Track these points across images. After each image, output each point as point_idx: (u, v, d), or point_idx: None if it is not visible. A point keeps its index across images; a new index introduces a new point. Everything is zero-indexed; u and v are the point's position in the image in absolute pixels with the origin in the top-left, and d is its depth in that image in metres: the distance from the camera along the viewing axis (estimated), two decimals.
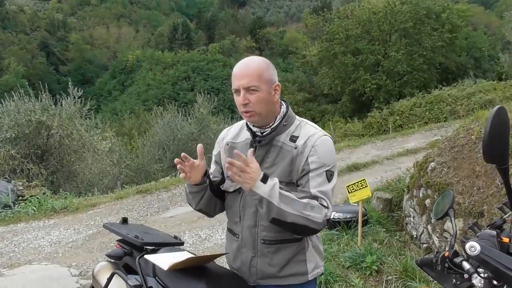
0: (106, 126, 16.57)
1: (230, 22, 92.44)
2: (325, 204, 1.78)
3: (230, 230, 2.06)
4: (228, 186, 2.00)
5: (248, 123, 1.93)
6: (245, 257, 1.94)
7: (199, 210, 2.07)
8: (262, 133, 1.90)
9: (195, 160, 1.87)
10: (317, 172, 1.81)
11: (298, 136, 1.88)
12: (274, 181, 1.72)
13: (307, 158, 1.82)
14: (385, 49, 28.80)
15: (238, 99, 1.83)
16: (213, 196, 2.00)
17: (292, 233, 1.84)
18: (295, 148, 1.85)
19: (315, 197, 1.77)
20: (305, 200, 1.74)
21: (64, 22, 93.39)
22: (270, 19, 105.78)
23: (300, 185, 1.84)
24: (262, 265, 1.91)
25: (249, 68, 1.82)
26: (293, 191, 1.79)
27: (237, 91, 1.83)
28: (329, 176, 1.83)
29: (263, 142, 1.89)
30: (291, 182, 1.85)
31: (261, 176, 1.69)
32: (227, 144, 2.02)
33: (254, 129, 1.91)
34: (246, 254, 1.94)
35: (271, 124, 1.88)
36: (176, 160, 1.84)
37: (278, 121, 1.89)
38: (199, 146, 1.88)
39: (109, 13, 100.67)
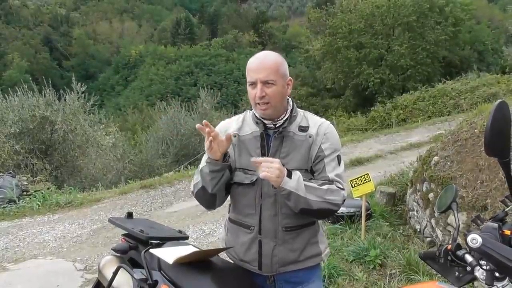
0: (109, 121, 16.59)
1: (233, 17, 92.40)
2: (341, 186, 1.93)
3: (239, 223, 2.04)
4: (242, 178, 1.97)
5: (258, 116, 1.95)
6: (267, 247, 1.96)
7: (210, 197, 1.95)
8: (275, 125, 1.94)
9: (218, 133, 1.83)
10: (331, 158, 1.94)
11: (307, 126, 1.96)
12: (297, 174, 1.82)
13: (320, 146, 1.93)
14: (389, 43, 28.67)
15: (254, 92, 1.87)
16: (225, 181, 1.93)
17: (316, 218, 1.98)
18: (310, 137, 1.93)
19: (332, 181, 1.91)
20: (325, 187, 1.87)
21: (67, 17, 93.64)
22: (273, 13, 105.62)
23: (317, 171, 1.95)
24: (284, 252, 1.96)
25: (267, 62, 1.86)
26: (310, 178, 1.91)
27: (254, 84, 1.86)
28: (339, 160, 1.98)
29: (282, 133, 1.93)
30: (307, 170, 1.94)
31: (286, 172, 1.77)
32: (235, 136, 1.99)
33: (266, 121, 1.94)
34: (267, 244, 1.96)
35: (282, 116, 1.94)
36: (198, 126, 1.79)
37: (289, 113, 1.95)
38: (229, 134, 1.87)
39: (112, 8, 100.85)
